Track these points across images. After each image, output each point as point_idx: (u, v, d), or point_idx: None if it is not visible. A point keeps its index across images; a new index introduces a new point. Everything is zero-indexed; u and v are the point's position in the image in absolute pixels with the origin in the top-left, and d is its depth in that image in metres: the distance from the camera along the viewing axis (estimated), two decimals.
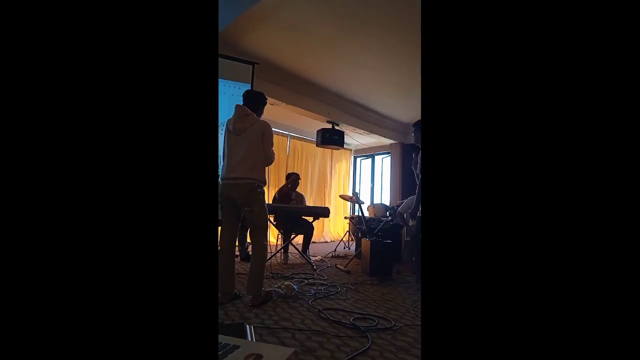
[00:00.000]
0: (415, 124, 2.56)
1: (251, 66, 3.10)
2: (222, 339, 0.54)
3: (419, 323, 1.73)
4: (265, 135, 2.00)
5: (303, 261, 3.53)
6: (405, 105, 4.73)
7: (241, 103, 2.09)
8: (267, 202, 2.20)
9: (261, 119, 2.09)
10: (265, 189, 2.09)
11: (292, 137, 5.83)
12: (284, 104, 3.89)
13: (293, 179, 3.87)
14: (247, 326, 0.65)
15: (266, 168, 2.07)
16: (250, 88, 3.06)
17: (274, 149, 2.12)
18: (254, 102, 2.11)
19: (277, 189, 4.13)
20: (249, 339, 0.62)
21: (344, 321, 1.68)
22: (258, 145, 1.99)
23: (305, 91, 4.07)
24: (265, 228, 2.08)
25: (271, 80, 3.65)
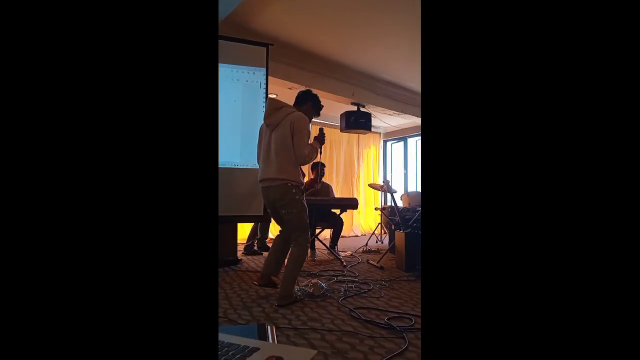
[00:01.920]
0: None
1: (265, 48, 3.10)
2: (241, 340, 0.55)
3: None
4: (295, 131, 1.90)
5: (332, 257, 3.55)
6: None
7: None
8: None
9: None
10: None
11: (314, 123, 5.83)
12: (303, 86, 3.88)
13: (319, 168, 3.88)
14: (268, 327, 0.66)
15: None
16: (265, 71, 3.08)
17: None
18: (299, 98, 2.10)
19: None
20: (270, 341, 0.63)
21: (377, 321, 1.68)
22: (286, 143, 1.90)
23: (325, 72, 4.03)
24: (306, 229, 2.02)
25: (287, 62, 3.64)
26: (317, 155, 2.09)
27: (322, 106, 2.26)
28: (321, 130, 2.25)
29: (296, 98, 2.14)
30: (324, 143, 2.23)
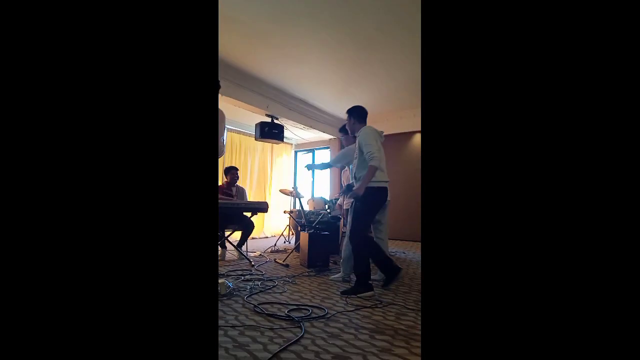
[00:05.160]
0: (349, 110, 2.42)
1: None
2: None
3: (350, 309, 1.83)
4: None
5: (242, 258, 3.45)
6: (344, 102, 4.89)
7: None
8: None
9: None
10: None
11: (230, 130, 5.62)
12: (220, 95, 3.73)
13: (232, 173, 3.78)
14: None
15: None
16: None
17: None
18: None
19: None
20: None
21: (279, 314, 1.70)
22: None
23: (243, 83, 3.95)
24: None
25: None
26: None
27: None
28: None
29: None
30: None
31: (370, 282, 2.14)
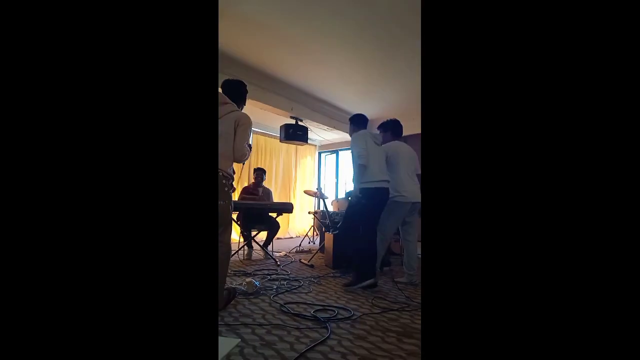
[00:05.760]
0: (381, 126, 2.71)
1: None
2: None
3: (377, 312, 1.80)
4: (239, 127, 1.82)
5: (267, 257, 3.50)
6: (369, 103, 4.84)
7: None
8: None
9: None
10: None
11: (255, 133, 5.73)
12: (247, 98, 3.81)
13: (259, 174, 3.87)
14: None
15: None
16: None
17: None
18: (233, 92, 1.96)
19: (241, 187, 4.08)
20: None
21: (305, 314, 1.70)
22: (228, 137, 1.80)
23: (267, 86, 4.01)
24: (230, 224, 1.89)
25: (231, 73, 3.55)
26: (248, 156, 2.01)
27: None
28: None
29: (228, 89, 2.00)
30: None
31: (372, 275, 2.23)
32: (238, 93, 2.00)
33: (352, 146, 2.35)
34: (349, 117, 2.64)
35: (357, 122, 2.55)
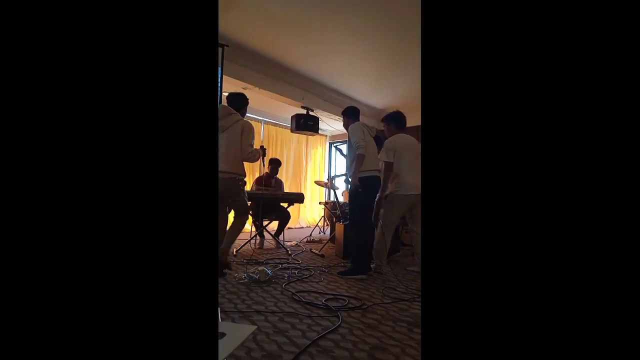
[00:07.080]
0: (385, 118, 2.71)
1: (221, 48, 2.98)
2: None
3: (387, 301, 1.81)
4: (244, 133, 2.26)
5: (279, 247, 3.55)
6: (380, 93, 4.76)
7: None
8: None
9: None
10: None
11: (266, 123, 5.74)
12: (257, 88, 3.80)
13: (273, 166, 3.89)
14: None
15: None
16: (220, 71, 2.96)
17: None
18: (236, 103, 2.39)
19: (254, 178, 4.11)
20: None
21: (316, 302, 1.72)
22: (238, 143, 2.24)
23: (278, 75, 3.98)
24: (247, 212, 2.47)
25: (242, 63, 3.53)
26: (259, 157, 2.44)
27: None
28: (262, 146, 2.79)
29: (232, 101, 2.41)
30: (264, 155, 2.75)
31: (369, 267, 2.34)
32: (240, 104, 2.43)
33: (351, 136, 2.42)
34: (342, 110, 2.74)
35: (351, 114, 2.64)
